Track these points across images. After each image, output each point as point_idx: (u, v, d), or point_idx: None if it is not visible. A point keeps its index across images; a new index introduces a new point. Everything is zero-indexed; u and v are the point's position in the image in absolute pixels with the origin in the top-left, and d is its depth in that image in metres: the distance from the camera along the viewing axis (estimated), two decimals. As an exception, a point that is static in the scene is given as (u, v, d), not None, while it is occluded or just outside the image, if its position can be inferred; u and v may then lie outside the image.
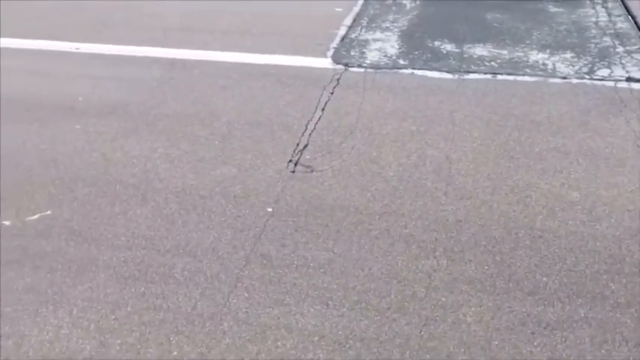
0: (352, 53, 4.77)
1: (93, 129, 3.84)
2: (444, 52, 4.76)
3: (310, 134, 3.72)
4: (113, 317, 2.54)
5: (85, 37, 5.11)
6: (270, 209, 3.11)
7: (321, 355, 2.35)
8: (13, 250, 2.91)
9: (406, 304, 2.55)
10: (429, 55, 4.71)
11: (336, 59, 4.66)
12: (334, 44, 4.89)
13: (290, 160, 3.48)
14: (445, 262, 2.75)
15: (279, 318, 2.51)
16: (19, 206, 3.19)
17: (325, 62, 4.61)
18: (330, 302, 2.57)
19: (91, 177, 3.40)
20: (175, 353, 2.38)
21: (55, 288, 2.69)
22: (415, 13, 5.58)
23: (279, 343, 2.40)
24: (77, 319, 2.54)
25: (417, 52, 4.78)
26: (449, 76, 4.39)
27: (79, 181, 3.37)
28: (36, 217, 3.12)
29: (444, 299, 2.57)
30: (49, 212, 3.15)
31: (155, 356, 2.36)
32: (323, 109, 3.97)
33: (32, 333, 2.48)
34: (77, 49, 4.90)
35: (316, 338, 2.42)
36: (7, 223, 3.08)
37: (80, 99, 4.18)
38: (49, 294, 2.66)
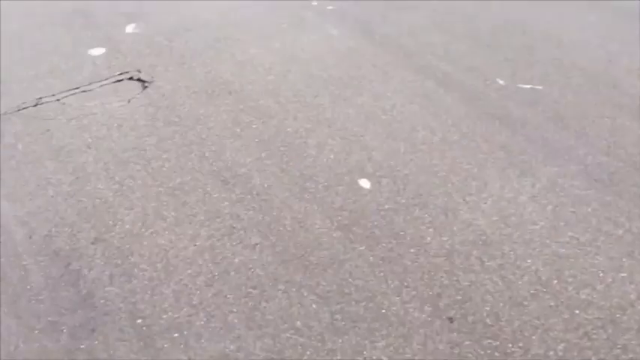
0: None
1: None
2: None
3: None
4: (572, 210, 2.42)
5: None
6: None
7: None
8: (498, 108, 2.98)
9: None
10: None
11: None
12: None
13: None
14: None
15: None
16: (516, 72, 3.22)
17: None
18: None
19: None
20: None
21: (525, 157, 2.68)
22: None
23: None
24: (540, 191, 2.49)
25: None
26: None
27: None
28: (528, 87, 3.11)
29: None
30: (540, 87, 3.11)
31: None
32: None
33: (495, 186, 2.54)
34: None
35: None
36: (501, 82, 3.16)
37: None
38: (517, 161, 2.66)
